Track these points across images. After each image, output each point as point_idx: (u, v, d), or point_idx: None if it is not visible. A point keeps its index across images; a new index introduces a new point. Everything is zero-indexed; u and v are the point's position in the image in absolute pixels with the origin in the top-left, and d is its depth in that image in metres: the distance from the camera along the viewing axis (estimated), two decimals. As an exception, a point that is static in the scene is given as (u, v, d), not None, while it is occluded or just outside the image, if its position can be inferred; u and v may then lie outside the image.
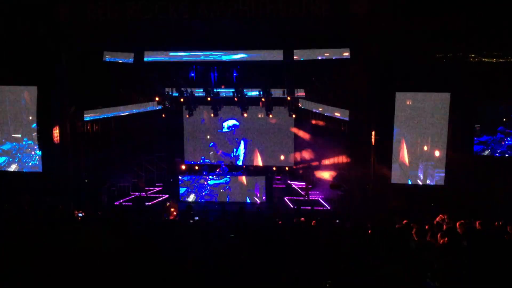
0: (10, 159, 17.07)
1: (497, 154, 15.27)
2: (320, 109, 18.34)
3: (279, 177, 20.79)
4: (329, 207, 17.66)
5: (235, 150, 21.49)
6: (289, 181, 20.74)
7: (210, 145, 21.33)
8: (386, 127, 15.64)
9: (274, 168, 20.61)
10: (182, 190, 18.67)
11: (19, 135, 17.01)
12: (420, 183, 15.84)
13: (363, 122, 15.87)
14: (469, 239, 7.17)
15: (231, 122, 21.05)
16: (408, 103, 15.60)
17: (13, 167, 17.06)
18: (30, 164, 16.96)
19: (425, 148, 15.70)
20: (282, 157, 21.28)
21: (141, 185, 19.39)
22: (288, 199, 18.78)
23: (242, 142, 21.22)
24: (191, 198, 18.58)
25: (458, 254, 6.13)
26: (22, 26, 15.06)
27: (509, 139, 15.07)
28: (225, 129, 21.13)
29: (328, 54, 16.41)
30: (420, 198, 15.10)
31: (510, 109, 15.23)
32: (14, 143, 17.00)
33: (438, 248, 6.71)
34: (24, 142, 16.90)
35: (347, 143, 17.25)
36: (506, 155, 15.17)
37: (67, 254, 5.48)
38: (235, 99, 18.96)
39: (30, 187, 15.42)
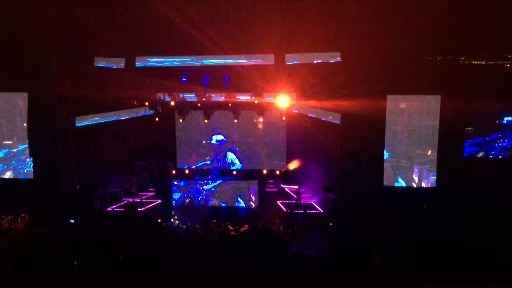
0: (5, 166, 16.95)
1: (491, 156, 15.39)
2: (312, 113, 18.37)
3: (271, 181, 20.78)
4: (322, 211, 17.67)
5: (219, 158, 21.53)
6: (281, 185, 20.73)
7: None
8: (377, 129, 15.70)
9: (265, 172, 20.62)
10: (177, 195, 18.62)
11: (13, 142, 16.90)
12: (415, 185, 15.91)
13: (355, 124, 15.90)
14: None
15: (220, 137, 21.24)
16: (402, 106, 15.68)
17: (8, 174, 16.93)
18: (25, 171, 16.85)
19: (418, 151, 15.79)
20: (274, 161, 21.28)
21: (132, 191, 19.32)
22: (281, 202, 18.77)
23: (228, 152, 21.31)
24: (187, 203, 18.53)
25: None
26: (11, 31, 14.94)
27: (502, 140, 15.20)
28: (213, 141, 21.26)
29: (319, 57, 16.48)
30: (412, 199, 15.15)
31: (502, 111, 15.36)
32: (8, 150, 16.89)
33: None
34: (18, 149, 16.78)
35: (338, 146, 17.27)
36: (500, 156, 15.29)
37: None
38: (229, 104, 18.98)
39: (22, 194, 15.28)
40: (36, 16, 14.80)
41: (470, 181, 14.46)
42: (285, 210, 17.82)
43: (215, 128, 21.19)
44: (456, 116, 15.29)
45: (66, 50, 15.98)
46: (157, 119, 19.83)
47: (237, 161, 21.33)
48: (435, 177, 15.69)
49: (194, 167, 21.35)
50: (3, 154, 16.96)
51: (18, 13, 14.75)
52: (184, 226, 13.77)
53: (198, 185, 18.67)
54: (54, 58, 15.92)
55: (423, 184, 15.80)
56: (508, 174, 14.63)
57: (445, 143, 15.40)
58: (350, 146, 16.21)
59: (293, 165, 20.06)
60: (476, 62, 15.26)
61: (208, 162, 21.41)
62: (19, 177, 16.88)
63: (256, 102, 18.93)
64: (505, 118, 15.28)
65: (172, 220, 14.91)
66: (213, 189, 18.72)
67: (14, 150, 16.91)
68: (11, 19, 14.77)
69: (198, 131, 21.35)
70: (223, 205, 18.40)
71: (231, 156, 21.34)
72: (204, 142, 21.43)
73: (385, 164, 16.13)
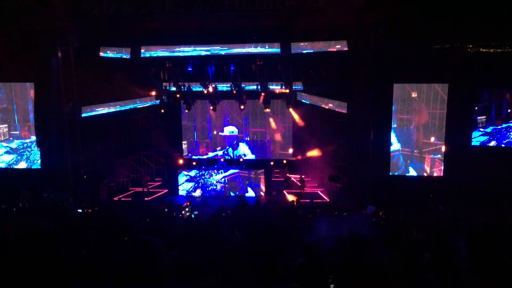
0: (18, 157, 17.07)
1: (503, 145, 15.30)
2: (318, 102, 18.31)
3: (278, 170, 20.81)
4: (328, 200, 17.68)
5: (231, 150, 21.58)
6: (288, 174, 20.75)
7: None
8: (384, 119, 15.63)
9: (272, 163, 20.70)
10: (187, 185, 18.72)
11: (20, 132, 17.03)
12: (426, 175, 15.85)
13: (361, 114, 15.83)
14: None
15: (232, 128, 21.29)
16: (413, 95, 15.55)
17: (21, 165, 17.06)
18: (38, 161, 16.96)
19: (429, 140, 15.68)
20: (280, 150, 21.33)
21: (145, 179, 19.45)
22: (287, 192, 18.79)
23: (240, 143, 21.40)
24: (197, 193, 18.62)
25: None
26: (18, 22, 14.95)
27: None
28: (226, 133, 21.35)
29: (325, 47, 16.37)
30: (419, 189, 15.12)
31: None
32: (22, 141, 17.03)
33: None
34: (31, 140, 16.89)
35: (345, 135, 17.24)
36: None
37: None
38: (234, 91, 18.98)
39: (30, 184, 15.40)
40: (42, 6, 14.81)
41: (478, 170, 14.42)
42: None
43: (226, 119, 21.27)
44: (464, 105, 15.21)
45: (72, 40, 15.97)
46: (162, 110, 19.85)
47: (249, 152, 21.40)
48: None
49: (205, 157, 21.44)
50: (16, 145, 17.08)
51: (24, 3, 14.76)
52: (192, 215, 13.87)
53: (207, 175, 18.73)
54: (60, 48, 15.92)
55: (435, 174, 15.69)
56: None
57: (453, 132, 15.30)
58: (356, 135, 16.15)
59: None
60: (483, 50, 15.08)
61: (220, 153, 21.49)
62: (32, 167, 16.99)
63: (261, 92, 18.88)
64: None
65: (183, 211, 14.95)
66: (223, 179, 18.79)
67: (27, 140, 17.01)
68: (17, 9, 14.78)
69: (209, 122, 21.47)
70: (233, 195, 18.47)
71: (243, 147, 21.40)
72: (215, 132, 21.51)
73: (397, 154, 16.03)
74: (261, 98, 18.95)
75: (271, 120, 21.09)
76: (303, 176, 18.90)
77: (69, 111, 16.58)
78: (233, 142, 21.46)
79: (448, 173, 15.38)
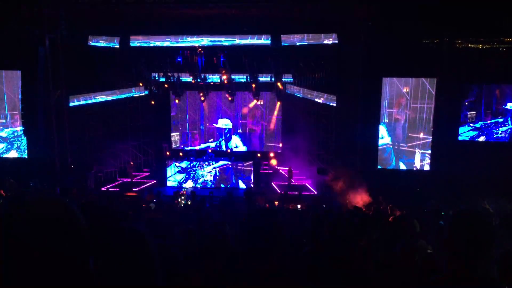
0: (9, 146, 16.89)
1: (493, 140, 15.46)
2: (307, 94, 18.32)
3: (266, 162, 20.78)
4: (316, 192, 17.75)
5: (224, 142, 21.49)
6: (276, 166, 20.73)
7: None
8: (372, 112, 15.70)
9: (259, 155, 20.68)
10: (179, 176, 18.66)
11: (7, 121, 16.86)
12: (415, 169, 15.99)
13: (350, 107, 15.87)
14: None
15: (227, 121, 21.17)
16: (405, 90, 15.63)
17: (12, 154, 16.90)
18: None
19: (418, 134, 15.79)
20: (270, 143, 21.32)
21: (129, 171, 19.32)
22: (275, 184, 18.82)
23: (233, 136, 21.31)
24: (188, 184, 18.57)
25: None
26: (5, 9, 14.72)
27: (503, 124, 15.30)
28: (219, 125, 21.23)
29: (315, 39, 16.38)
30: (406, 182, 15.26)
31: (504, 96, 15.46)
32: (13, 130, 16.88)
33: None
34: (22, 129, 16.71)
35: (334, 128, 17.27)
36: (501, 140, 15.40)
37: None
38: (225, 81, 18.93)
39: (18, 173, 15.24)
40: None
41: (464, 164, 14.56)
42: (279, 191, 17.86)
43: (219, 111, 21.17)
44: (452, 100, 15.34)
45: (60, 28, 15.76)
46: (153, 102, 19.69)
47: (241, 144, 21.35)
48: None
49: (197, 148, 21.33)
50: (7, 134, 16.90)
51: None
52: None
53: (198, 167, 18.67)
54: (48, 36, 15.70)
55: (426, 168, 15.82)
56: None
57: (440, 126, 15.43)
58: (345, 128, 16.20)
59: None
60: (472, 46, 15.20)
61: (212, 145, 21.39)
62: (23, 157, 16.85)
63: (252, 83, 18.81)
64: (508, 104, 15.34)
65: (179, 199, 14.93)
66: (214, 171, 18.75)
67: (18, 129, 16.84)
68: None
69: (201, 114, 21.37)
70: (223, 186, 18.44)
71: (235, 139, 21.32)
72: (207, 124, 21.41)
73: (389, 148, 16.13)
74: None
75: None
76: (291, 167, 18.93)
77: (56, 100, 16.40)
78: (226, 134, 21.36)
79: (434, 167, 15.53)
